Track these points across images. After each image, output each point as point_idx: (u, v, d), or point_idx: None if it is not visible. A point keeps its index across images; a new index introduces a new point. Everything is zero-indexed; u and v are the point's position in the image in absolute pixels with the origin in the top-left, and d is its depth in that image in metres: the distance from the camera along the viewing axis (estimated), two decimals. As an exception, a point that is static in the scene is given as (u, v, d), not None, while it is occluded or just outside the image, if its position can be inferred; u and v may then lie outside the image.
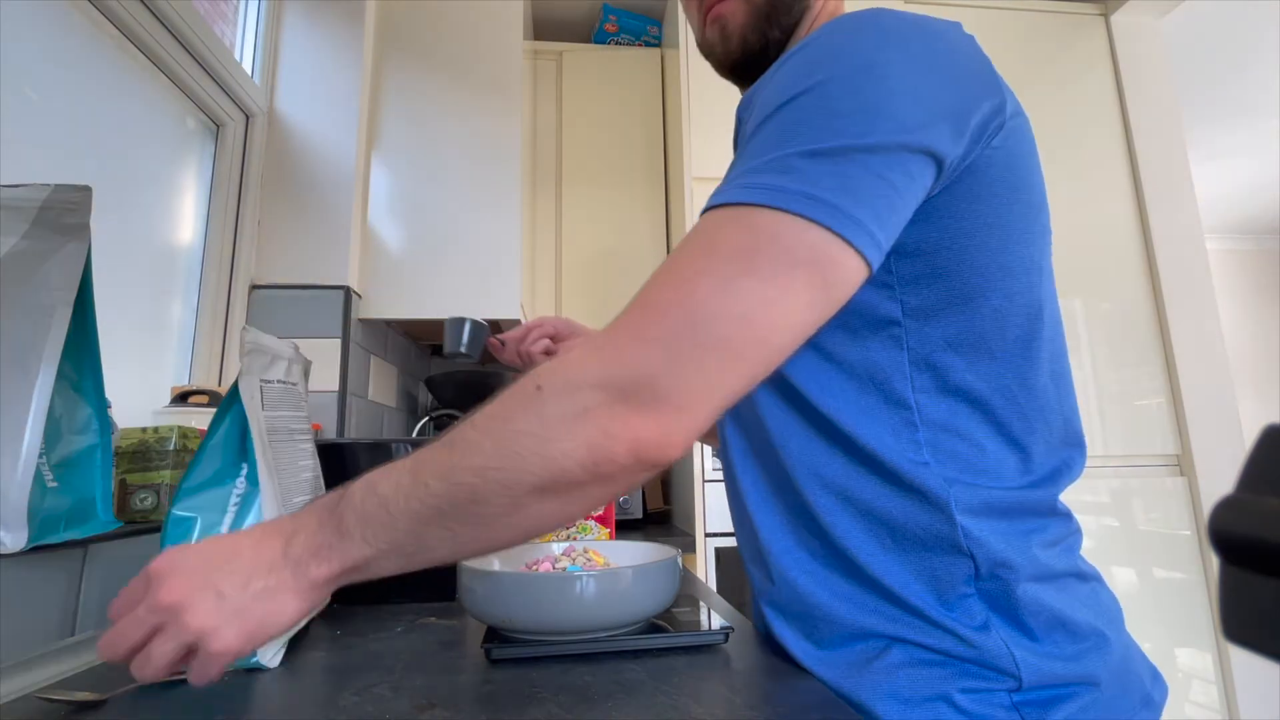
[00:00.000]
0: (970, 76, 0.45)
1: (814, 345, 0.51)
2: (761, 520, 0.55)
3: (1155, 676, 0.50)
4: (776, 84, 0.45)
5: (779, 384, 0.53)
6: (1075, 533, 0.53)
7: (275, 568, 0.41)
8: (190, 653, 0.40)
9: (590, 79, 2.21)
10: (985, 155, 0.46)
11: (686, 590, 0.83)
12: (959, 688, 0.44)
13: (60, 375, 0.59)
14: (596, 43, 2.39)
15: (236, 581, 0.40)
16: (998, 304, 0.48)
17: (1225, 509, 0.16)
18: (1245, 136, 3.09)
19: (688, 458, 1.67)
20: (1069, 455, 0.52)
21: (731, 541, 1.57)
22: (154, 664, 0.39)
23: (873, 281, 0.47)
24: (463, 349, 0.95)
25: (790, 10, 0.58)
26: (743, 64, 0.61)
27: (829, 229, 0.39)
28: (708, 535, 1.58)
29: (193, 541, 0.56)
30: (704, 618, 0.67)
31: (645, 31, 2.37)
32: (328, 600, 0.48)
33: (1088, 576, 0.51)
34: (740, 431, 0.58)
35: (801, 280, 0.39)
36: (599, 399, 0.38)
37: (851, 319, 0.50)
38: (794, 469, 0.52)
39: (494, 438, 0.39)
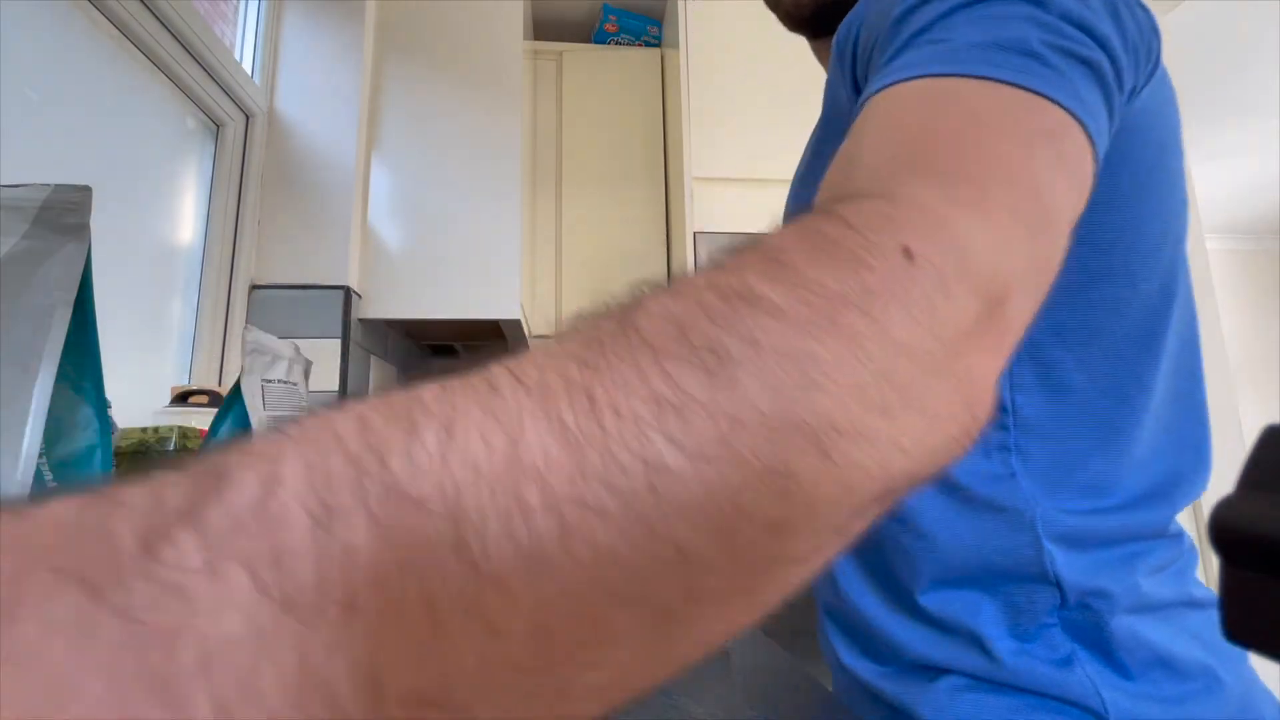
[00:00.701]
0: (1138, 9, 0.36)
1: None
2: None
3: None
4: None
5: None
6: (1188, 552, 0.45)
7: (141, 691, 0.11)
8: None
9: (590, 79, 2.21)
10: (1139, 102, 0.37)
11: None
12: None
13: (60, 375, 0.59)
14: (596, 43, 2.40)
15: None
16: (1119, 292, 0.41)
17: (1225, 509, 0.16)
18: (1245, 136, 3.09)
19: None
20: (1189, 468, 0.44)
21: (731, 541, 1.57)
22: None
23: None
24: None
25: None
26: (814, 16, 0.54)
27: (1094, 146, 0.30)
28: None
29: None
30: (704, 618, 0.67)
31: (645, 31, 2.37)
32: None
33: (1202, 603, 0.43)
34: None
35: (1081, 196, 0.29)
36: (974, 313, 0.20)
37: None
38: None
39: (850, 348, 0.17)
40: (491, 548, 0.12)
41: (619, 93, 2.21)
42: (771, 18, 0.61)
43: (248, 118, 1.41)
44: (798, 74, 1.63)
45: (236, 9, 1.41)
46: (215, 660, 0.09)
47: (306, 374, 0.77)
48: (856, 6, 0.43)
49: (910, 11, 0.34)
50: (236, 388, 0.63)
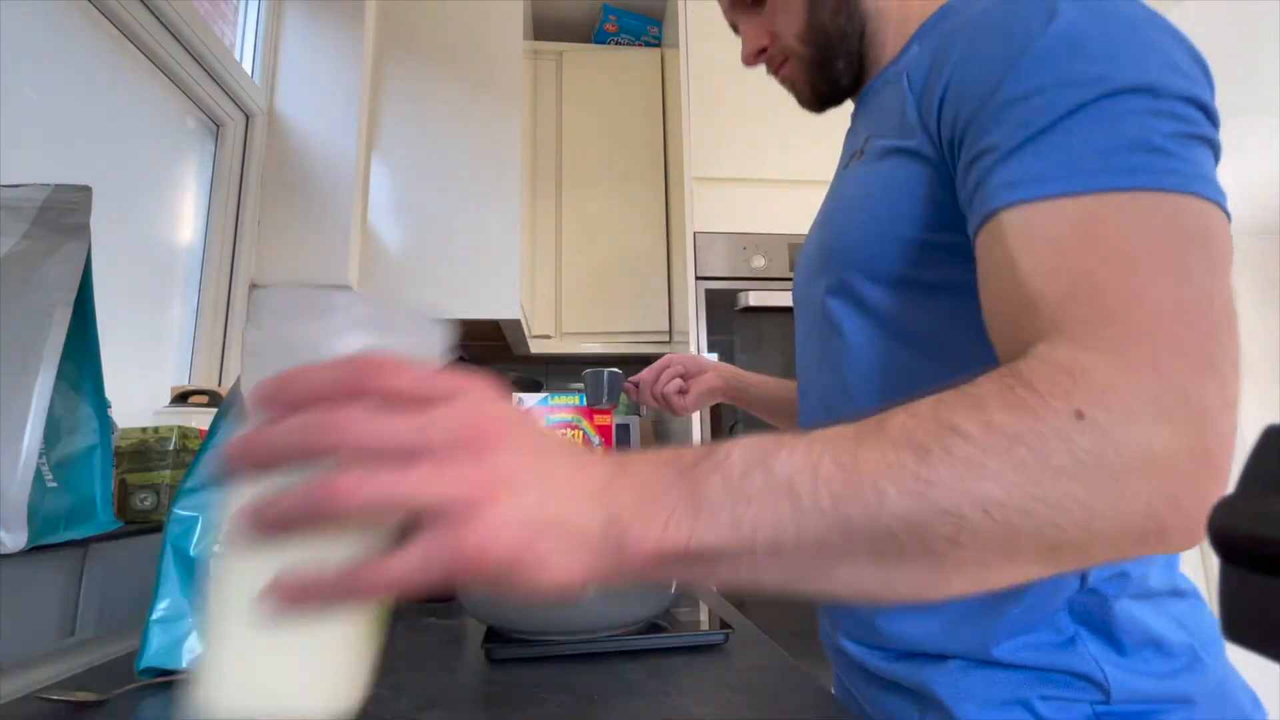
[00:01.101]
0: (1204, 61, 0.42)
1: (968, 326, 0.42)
2: None
3: (1256, 704, 0.46)
4: (1063, 63, 0.37)
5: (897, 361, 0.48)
6: None
7: (592, 511, 0.28)
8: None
9: (590, 79, 2.21)
10: None
11: (686, 590, 0.83)
12: (1039, 694, 0.42)
13: (60, 375, 0.59)
14: (596, 43, 2.39)
15: (546, 491, 0.27)
16: None
17: (1225, 509, 0.16)
18: (1245, 136, 3.09)
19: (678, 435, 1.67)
20: None
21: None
22: (381, 488, 0.24)
23: None
24: (604, 402, 0.95)
25: (846, 39, 0.57)
26: (829, 99, 0.62)
27: (1226, 212, 0.35)
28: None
29: (196, 533, 0.56)
30: (704, 618, 0.67)
31: (645, 31, 2.37)
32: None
33: (1185, 593, 0.48)
34: (838, 394, 0.53)
35: (1228, 266, 0.34)
36: (1166, 444, 0.28)
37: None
38: None
39: (1017, 467, 0.27)
40: (806, 500, 0.28)
41: (619, 93, 2.21)
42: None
43: (248, 118, 1.41)
44: (798, 74, 1.63)
45: (236, 9, 1.41)
46: (618, 484, 0.29)
47: (306, 374, 0.77)
48: (932, 36, 0.48)
49: (1022, 100, 0.37)
50: (236, 388, 0.63)
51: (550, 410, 1.13)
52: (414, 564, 0.24)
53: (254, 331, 0.27)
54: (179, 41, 1.16)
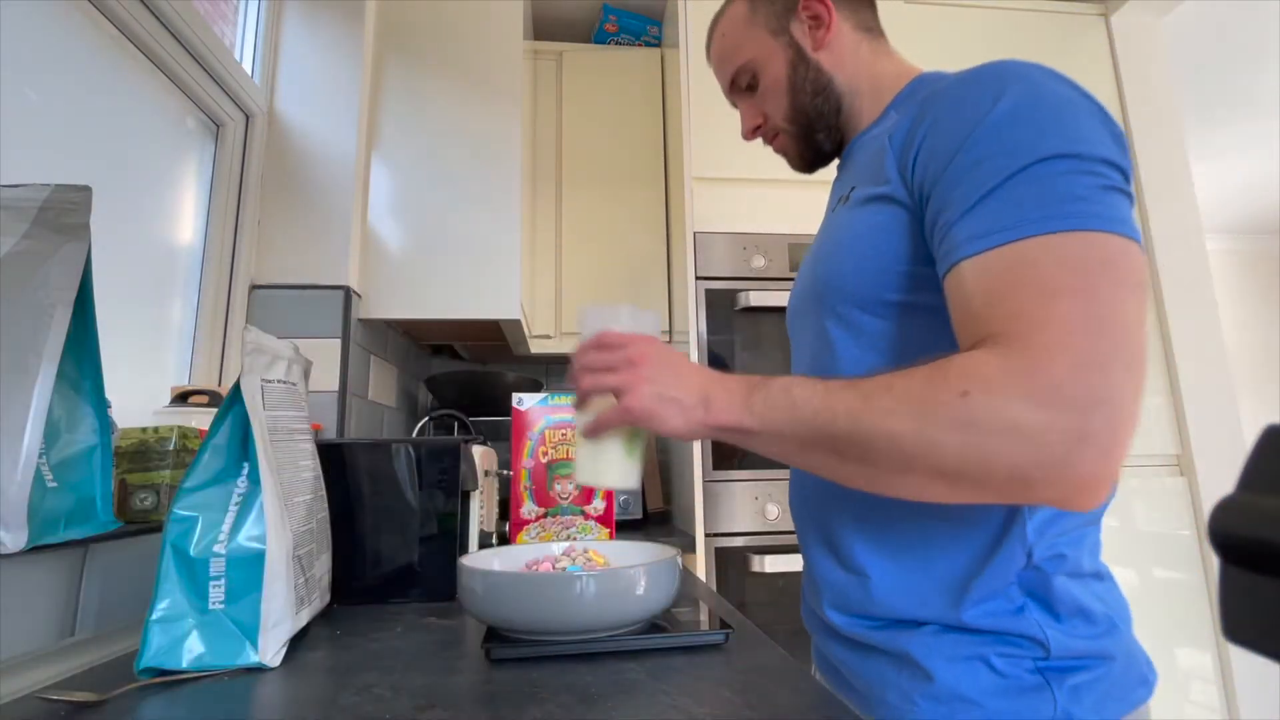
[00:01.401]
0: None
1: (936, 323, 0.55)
2: (838, 504, 0.63)
3: (1149, 664, 0.58)
4: (1007, 136, 0.49)
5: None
6: (1098, 535, 0.60)
7: (693, 395, 0.54)
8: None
9: (590, 79, 2.21)
10: None
11: (686, 590, 0.83)
12: (996, 652, 0.53)
13: (60, 375, 0.59)
14: (596, 43, 2.39)
15: (668, 383, 0.55)
16: None
17: (1225, 509, 0.16)
18: (1245, 136, 3.09)
19: (689, 458, 1.67)
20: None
21: (731, 542, 1.57)
22: (595, 381, 0.57)
23: None
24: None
25: (823, 116, 0.72)
26: (815, 163, 0.77)
27: (1139, 245, 0.46)
28: (708, 535, 1.58)
29: (196, 533, 0.57)
30: (704, 618, 0.67)
31: (645, 31, 2.37)
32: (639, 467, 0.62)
33: (1104, 577, 0.58)
34: None
35: (1143, 292, 0.45)
36: (1036, 424, 0.41)
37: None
38: None
39: (916, 418, 0.44)
40: (801, 411, 0.50)
41: (619, 93, 2.21)
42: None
43: (248, 118, 1.41)
44: (798, 74, 1.63)
45: (236, 9, 1.41)
46: (717, 388, 0.54)
47: (306, 374, 0.77)
48: (911, 108, 0.59)
49: (975, 165, 0.49)
50: (236, 387, 0.63)
51: (550, 410, 1.13)
52: (614, 414, 0.56)
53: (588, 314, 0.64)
54: (179, 41, 1.16)
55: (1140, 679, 0.55)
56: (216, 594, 0.57)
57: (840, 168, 0.76)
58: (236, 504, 0.60)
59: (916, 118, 0.56)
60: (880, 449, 0.46)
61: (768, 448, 0.53)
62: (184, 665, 0.54)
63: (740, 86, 0.75)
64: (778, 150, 0.78)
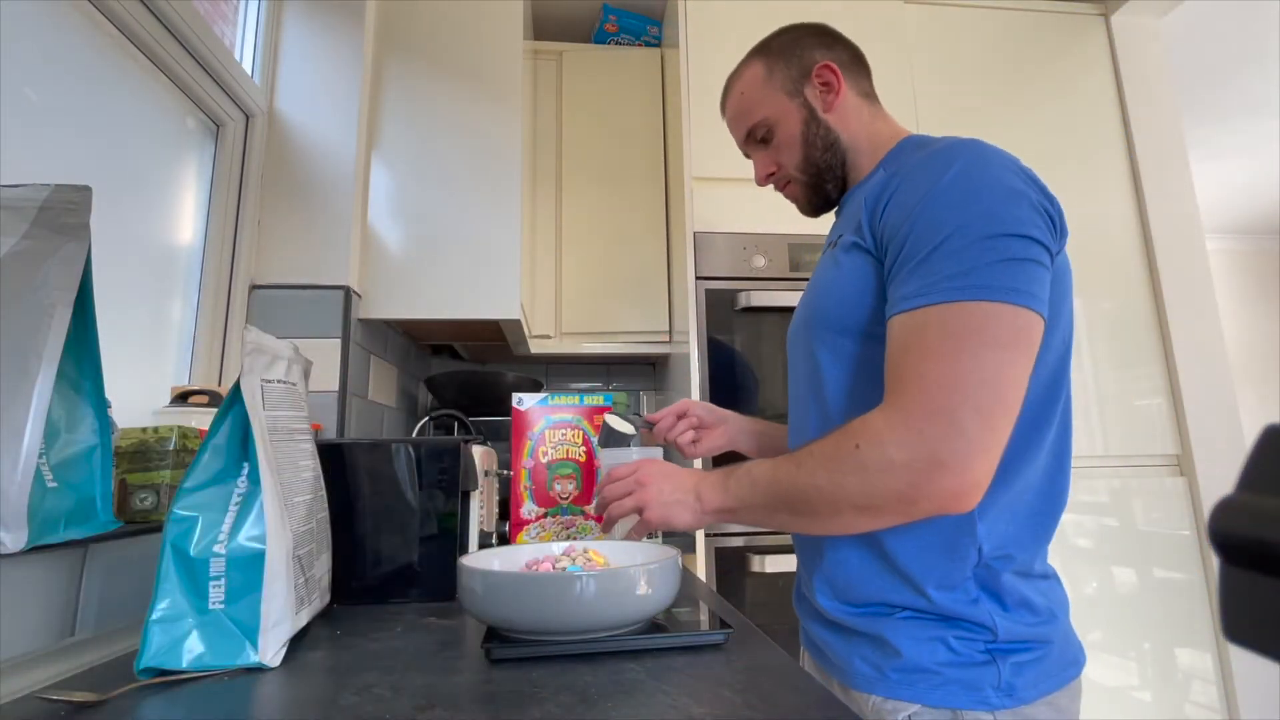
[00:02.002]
0: (1055, 206, 0.64)
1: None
2: None
3: (1080, 648, 0.69)
4: (940, 212, 0.61)
5: (859, 377, 0.70)
6: (1046, 548, 0.71)
7: (689, 494, 0.70)
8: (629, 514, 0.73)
9: (590, 79, 2.21)
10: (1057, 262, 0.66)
11: (686, 590, 0.83)
12: (953, 635, 0.64)
13: (60, 375, 0.59)
14: (596, 43, 2.39)
15: (670, 491, 0.71)
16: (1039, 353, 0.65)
17: (1225, 509, 0.16)
18: (1245, 136, 3.09)
19: (687, 459, 1.67)
20: (1061, 494, 0.70)
21: (731, 541, 1.57)
22: (619, 506, 0.72)
23: None
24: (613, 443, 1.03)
25: (831, 169, 0.81)
26: (822, 209, 0.85)
27: (1034, 309, 0.57)
28: (708, 535, 1.58)
29: (196, 533, 0.57)
30: (704, 618, 0.67)
31: (645, 31, 2.37)
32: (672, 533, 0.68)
33: (1050, 577, 0.70)
34: (819, 411, 0.74)
35: (1024, 348, 0.57)
36: (903, 459, 0.56)
37: None
38: None
39: (827, 472, 0.60)
40: (760, 485, 0.66)
41: (619, 93, 2.21)
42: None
43: (248, 118, 1.41)
44: (798, 74, 1.63)
45: (236, 9, 1.41)
46: (703, 483, 0.71)
47: (306, 374, 0.77)
48: (889, 180, 0.69)
49: (912, 234, 0.62)
50: (236, 387, 0.63)
51: (550, 410, 1.13)
52: (640, 528, 0.73)
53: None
54: (179, 41, 1.16)
55: (1072, 660, 0.67)
56: (216, 594, 0.57)
57: (837, 213, 0.86)
58: (236, 504, 0.60)
59: (886, 183, 0.68)
60: (812, 499, 0.60)
61: (748, 518, 0.67)
62: (184, 665, 0.54)
63: (755, 139, 0.84)
64: (789, 196, 0.87)
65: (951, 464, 0.54)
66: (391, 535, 0.83)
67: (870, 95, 0.83)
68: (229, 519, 0.59)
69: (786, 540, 1.57)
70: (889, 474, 0.56)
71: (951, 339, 0.56)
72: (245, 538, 0.59)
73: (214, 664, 0.55)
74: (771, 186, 0.87)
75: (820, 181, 0.82)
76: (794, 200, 0.87)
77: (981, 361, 0.55)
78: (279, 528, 0.60)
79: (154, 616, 0.55)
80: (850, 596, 0.70)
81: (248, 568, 0.58)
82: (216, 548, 0.58)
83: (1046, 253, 0.60)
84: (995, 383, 0.55)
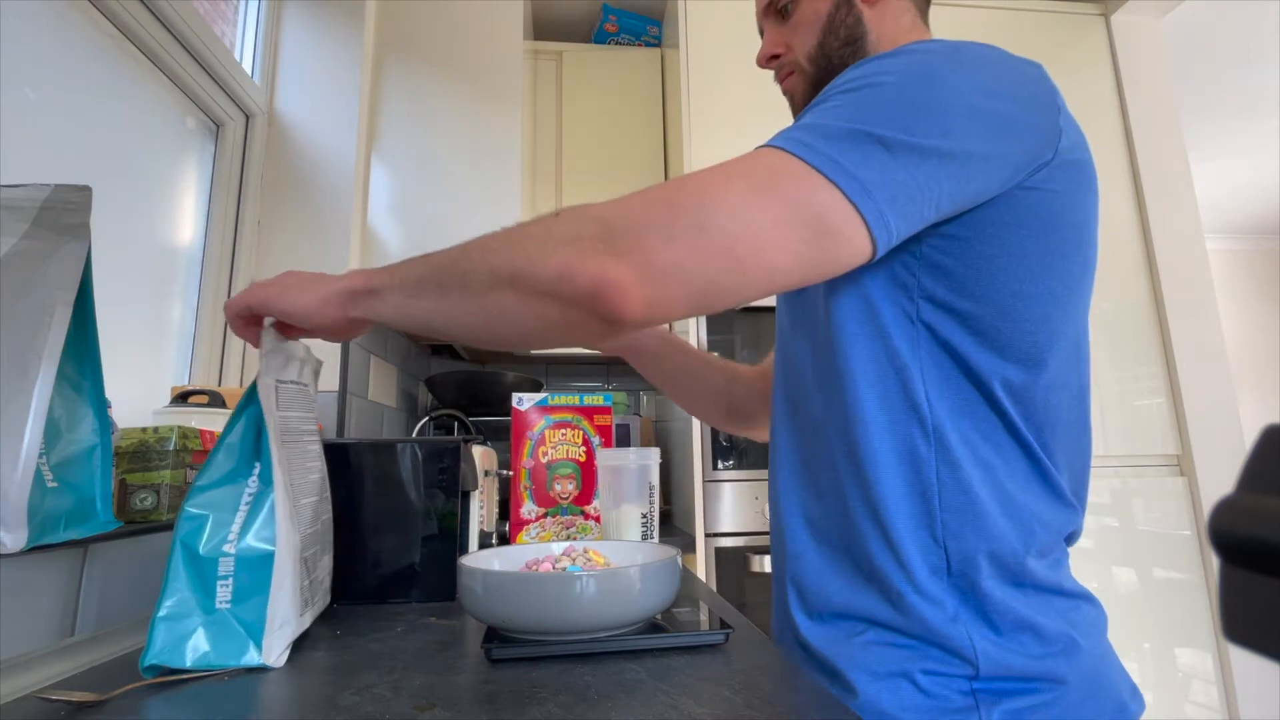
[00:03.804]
0: (1028, 114, 0.50)
1: (870, 329, 0.56)
2: (785, 494, 0.63)
3: (1134, 693, 0.53)
4: (850, 73, 0.51)
5: (833, 373, 0.59)
6: (1065, 551, 0.57)
7: (320, 278, 0.58)
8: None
9: (590, 79, 2.21)
10: (1022, 190, 0.51)
11: (686, 590, 0.83)
12: (921, 669, 0.50)
13: (60, 375, 0.59)
14: (596, 43, 2.39)
15: (298, 278, 0.59)
16: (1008, 328, 0.53)
17: (1225, 509, 0.16)
18: (1245, 136, 3.09)
19: (688, 458, 1.67)
20: (1075, 504, 0.56)
21: (731, 541, 1.57)
22: (231, 304, 0.61)
23: (895, 282, 0.55)
24: None
25: (843, 67, 0.67)
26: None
27: (847, 197, 0.45)
28: (708, 535, 1.58)
29: (206, 531, 0.59)
30: (704, 618, 0.67)
31: (645, 31, 2.37)
32: (343, 327, 0.59)
33: (1071, 594, 0.54)
34: (789, 409, 0.65)
35: (802, 227, 0.45)
36: (591, 232, 0.45)
37: (876, 316, 0.56)
38: (831, 445, 0.59)
39: (507, 234, 0.49)
40: (430, 260, 0.53)
41: (619, 93, 2.21)
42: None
43: (248, 118, 1.41)
44: (798, 74, 1.63)
45: (236, 9, 1.41)
46: (391, 268, 0.55)
47: (316, 375, 0.77)
48: None
49: (822, 97, 0.52)
50: (253, 387, 0.63)
51: (550, 410, 1.13)
52: (239, 297, 0.60)
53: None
54: (179, 41, 1.16)
55: (1117, 707, 0.50)
56: (224, 593, 0.57)
57: None
58: (247, 504, 0.60)
59: None
60: (466, 267, 0.49)
61: (390, 306, 0.53)
62: (188, 664, 0.54)
63: (775, 9, 0.72)
64: (786, 90, 0.74)
65: (635, 253, 0.44)
66: (392, 535, 0.83)
67: (923, 13, 0.71)
68: (239, 519, 0.59)
69: (786, 540, 1.57)
70: (566, 244, 0.45)
71: (722, 168, 0.47)
72: (255, 538, 0.59)
73: (218, 663, 0.55)
74: (772, 76, 0.75)
75: (827, 79, 0.68)
76: (790, 97, 0.73)
77: (734, 189, 0.45)
78: (288, 529, 0.61)
79: (160, 614, 0.55)
80: (817, 605, 0.59)
81: (256, 568, 0.58)
82: (226, 547, 0.58)
83: (957, 169, 0.47)
84: (740, 213, 0.45)
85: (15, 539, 0.53)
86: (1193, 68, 2.55)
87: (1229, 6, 2.23)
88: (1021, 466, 0.54)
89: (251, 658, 0.56)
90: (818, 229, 0.45)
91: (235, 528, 0.59)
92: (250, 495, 0.60)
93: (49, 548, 0.59)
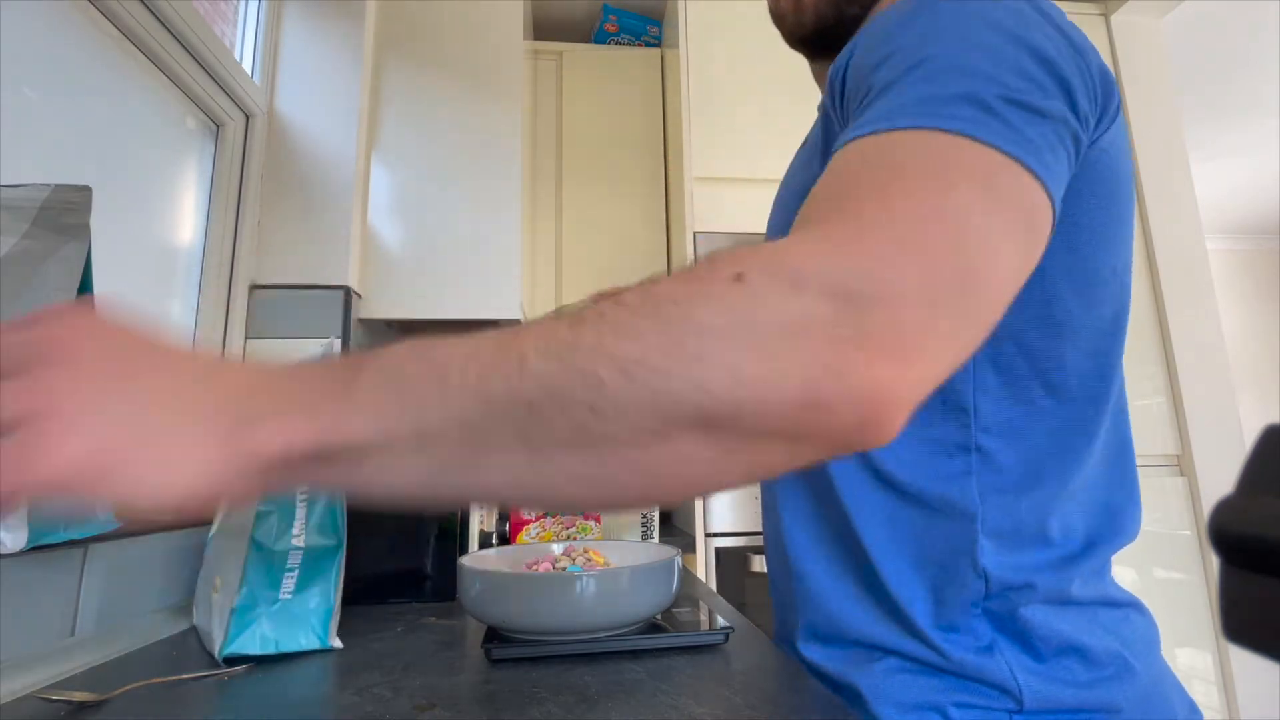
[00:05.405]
0: (1097, 61, 0.41)
1: None
2: (788, 516, 0.54)
3: (1192, 709, 0.48)
4: (920, 28, 0.39)
5: None
6: (1107, 559, 0.50)
7: (213, 409, 0.26)
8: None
9: (590, 79, 2.21)
10: (1093, 153, 0.42)
11: (686, 590, 0.83)
12: (953, 701, 0.43)
13: (60, 375, 0.59)
14: (596, 43, 2.39)
15: (147, 398, 0.25)
16: (1075, 309, 0.45)
17: (1225, 509, 0.16)
18: (1245, 136, 3.09)
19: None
20: (1122, 510, 0.49)
21: (731, 541, 1.57)
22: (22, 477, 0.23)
23: None
24: None
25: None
26: (814, 36, 0.59)
27: (1043, 183, 0.33)
28: (708, 535, 1.58)
29: (275, 527, 0.66)
30: (704, 618, 0.67)
31: (645, 31, 2.37)
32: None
33: (1119, 603, 0.48)
34: None
35: (1032, 236, 0.33)
36: (825, 313, 0.25)
37: None
38: (833, 467, 0.50)
39: (661, 324, 0.25)
40: (454, 379, 0.27)
41: (619, 93, 2.21)
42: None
43: (248, 118, 1.41)
44: (797, 74, 1.63)
45: (236, 9, 1.41)
46: (271, 384, 0.28)
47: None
48: (850, 42, 0.46)
49: (879, 65, 0.38)
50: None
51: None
52: (45, 474, 0.23)
53: None
54: (179, 41, 1.16)
55: None
56: (288, 584, 0.62)
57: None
58: (304, 500, 0.65)
59: (855, 40, 0.46)
60: (608, 394, 0.25)
61: (390, 475, 0.27)
62: (258, 650, 0.59)
63: None
64: (777, 13, 0.62)
65: (894, 337, 0.26)
66: (392, 536, 0.83)
67: None
68: (300, 513, 0.64)
69: (786, 540, 1.57)
70: (793, 339, 0.25)
71: (933, 175, 0.31)
72: (318, 533, 0.64)
73: (284, 648, 0.60)
74: None
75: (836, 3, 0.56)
76: (782, 16, 0.61)
77: (972, 217, 0.30)
78: (343, 522, 0.67)
79: (235, 605, 0.59)
80: (828, 632, 0.51)
81: (318, 560, 0.63)
82: (295, 541, 0.63)
83: (1075, 114, 0.37)
84: (985, 243, 0.29)
85: (15, 539, 0.53)
86: (1193, 68, 2.55)
87: (1229, 6, 2.23)
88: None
89: (312, 642, 0.61)
90: (1037, 232, 0.33)
91: (300, 523, 0.64)
92: (305, 491, 0.65)
93: (49, 548, 0.59)
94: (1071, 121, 0.37)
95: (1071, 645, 0.44)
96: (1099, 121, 0.41)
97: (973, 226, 0.30)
